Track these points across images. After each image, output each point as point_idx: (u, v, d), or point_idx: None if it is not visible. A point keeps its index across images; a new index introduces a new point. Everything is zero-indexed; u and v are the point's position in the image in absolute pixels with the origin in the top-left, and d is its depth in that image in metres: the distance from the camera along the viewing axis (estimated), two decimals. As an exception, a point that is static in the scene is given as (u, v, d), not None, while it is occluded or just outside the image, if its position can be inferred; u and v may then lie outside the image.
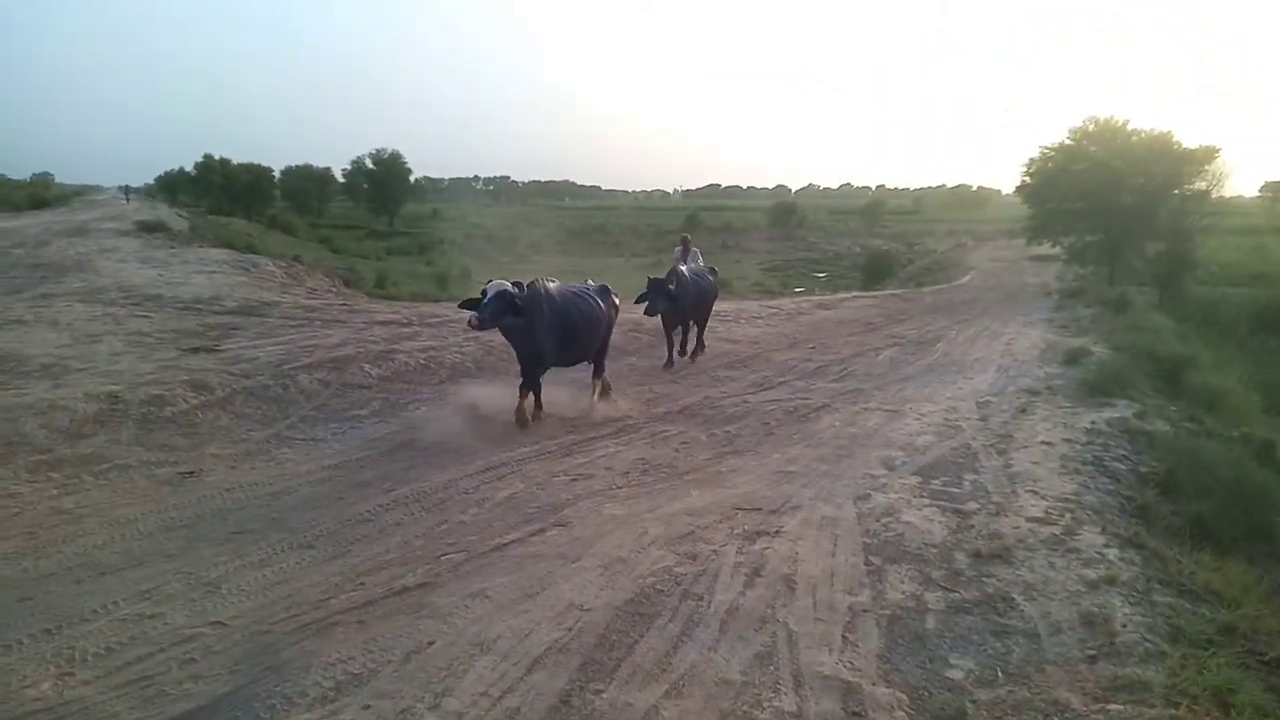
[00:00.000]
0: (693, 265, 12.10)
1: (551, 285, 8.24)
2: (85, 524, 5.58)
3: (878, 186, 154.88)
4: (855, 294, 24.43)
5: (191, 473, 6.64)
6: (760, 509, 5.93)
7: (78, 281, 14.65)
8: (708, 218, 71.89)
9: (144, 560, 5.06)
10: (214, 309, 12.94)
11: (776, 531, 5.50)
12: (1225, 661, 3.97)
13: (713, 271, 12.60)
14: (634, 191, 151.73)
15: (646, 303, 10.47)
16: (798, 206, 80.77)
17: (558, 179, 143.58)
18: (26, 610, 4.42)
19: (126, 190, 58.03)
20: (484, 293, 7.52)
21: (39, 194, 43.93)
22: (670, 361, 11.23)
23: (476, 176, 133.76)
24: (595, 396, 8.97)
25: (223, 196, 56.40)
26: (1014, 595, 4.63)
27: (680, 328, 11.51)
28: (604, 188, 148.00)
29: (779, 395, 9.74)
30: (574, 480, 6.60)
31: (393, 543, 5.36)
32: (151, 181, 71.43)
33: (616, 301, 9.32)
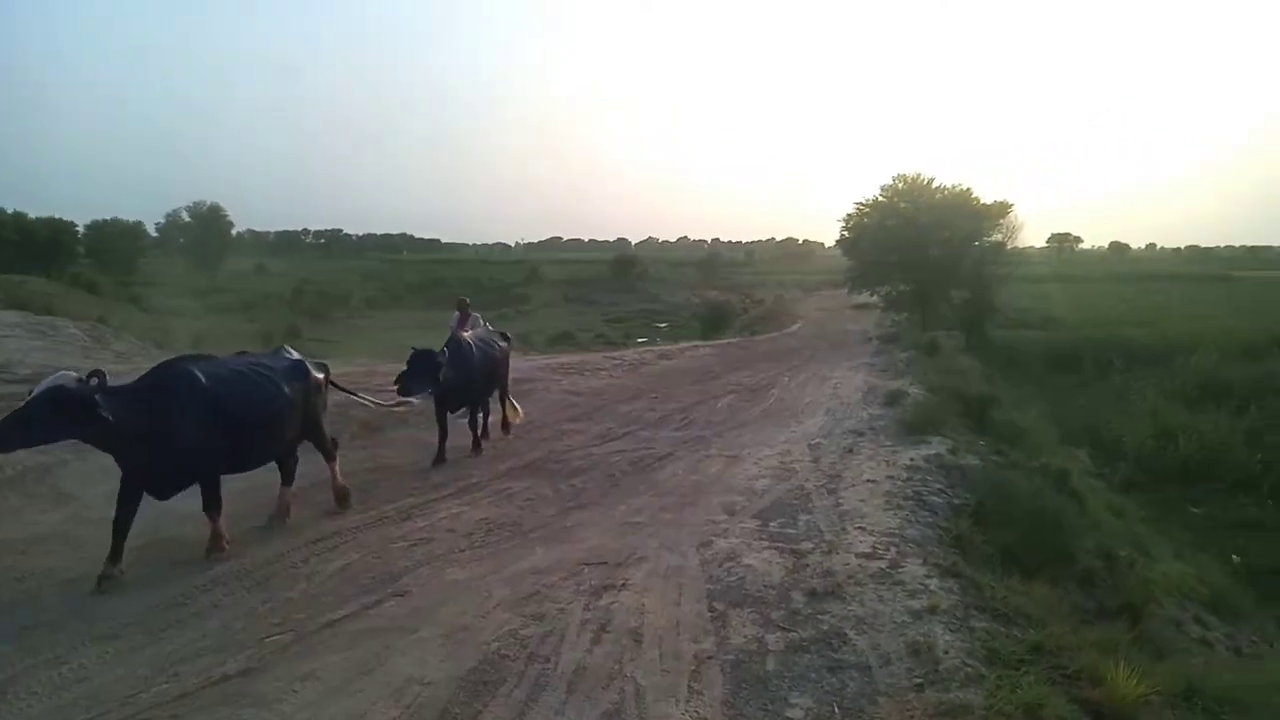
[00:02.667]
0: (477, 332, 9.94)
1: (199, 367, 6.06)
2: None
3: (713, 239, 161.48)
4: (695, 344, 25.23)
5: (-32, 564, 5.85)
6: (607, 562, 5.91)
7: None
8: (551, 270, 72.50)
9: (-95, 671, 4.39)
10: (3, 377, 11.61)
11: (623, 584, 5.50)
12: (1035, 679, 4.29)
13: (504, 337, 10.57)
14: (475, 244, 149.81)
15: (403, 384, 8.30)
16: (638, 259, 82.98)
17: (394, 232, 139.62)
18: None
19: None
20: (31, 391, 5.32)
21: None
22: (440, 457, 8.77)
23: (306, 230, 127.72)
24: (278, 512, 6.85)
25: (17, 254, 51.00)
26: (847, 630, 4.83)
27: (473, 408, 9.48)
28: (444, 240, 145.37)
29: (624, 446, 9.84)
30: (413, 546, 6.34)
31: (210, 627, 4.92)
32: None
33: (318, 377, 7.08)
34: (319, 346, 21.69)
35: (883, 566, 5.79)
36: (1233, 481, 12.75)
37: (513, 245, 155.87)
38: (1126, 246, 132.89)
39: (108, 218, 63.10)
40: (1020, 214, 29.73)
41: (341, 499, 7.20)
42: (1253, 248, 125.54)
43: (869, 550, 6.12)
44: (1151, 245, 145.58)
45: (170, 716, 3.92)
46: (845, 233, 31.56)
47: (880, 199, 30.20)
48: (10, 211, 53.90)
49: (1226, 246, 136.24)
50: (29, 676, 4.32)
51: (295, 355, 7.09)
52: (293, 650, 4.61)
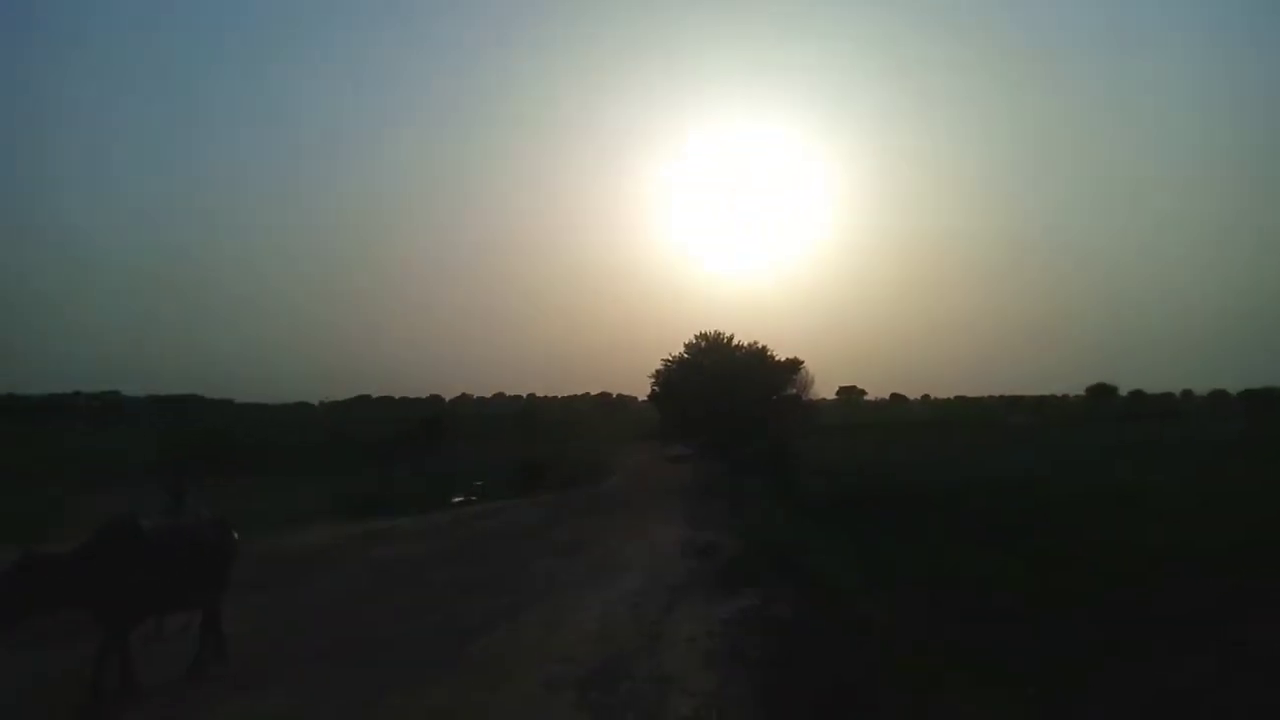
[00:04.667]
0: (176, 520, 7.76)
1: None
2: None
3: (529, 395, 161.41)
4: (514, 501, 24.69)
5: None
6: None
7: None
8: (360, 430, 69.30)
9: None
10: None
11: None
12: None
13: (219, 525, 7.69)
14: (273, 405, 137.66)
15: None
16: (453, 415, 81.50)
17: (181, 392, 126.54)
18: None
19: None
20: None
21: None
22: (125, 684, 6.45)
23: (78, 392, 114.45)
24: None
25: None
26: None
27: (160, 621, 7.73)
28: (238, 401, 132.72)
29: (433, 619, 9.22)
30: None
31: None
32: None
33: None
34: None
35: (703, 732, 5.66)
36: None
37: (316, 405, 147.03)
38: (904, 398, 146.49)
39: None
40: (810, 369, 32.37)
41: None
42: (1011, 397, 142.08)
43: (690, 714, 5.98)
44: (926, 396, 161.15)
45: None
46: (655, 388, 32.84)
47: (685, 355, 31.89)
48: None
49: (989, 396, 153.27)
50: None
51: None
52: None
